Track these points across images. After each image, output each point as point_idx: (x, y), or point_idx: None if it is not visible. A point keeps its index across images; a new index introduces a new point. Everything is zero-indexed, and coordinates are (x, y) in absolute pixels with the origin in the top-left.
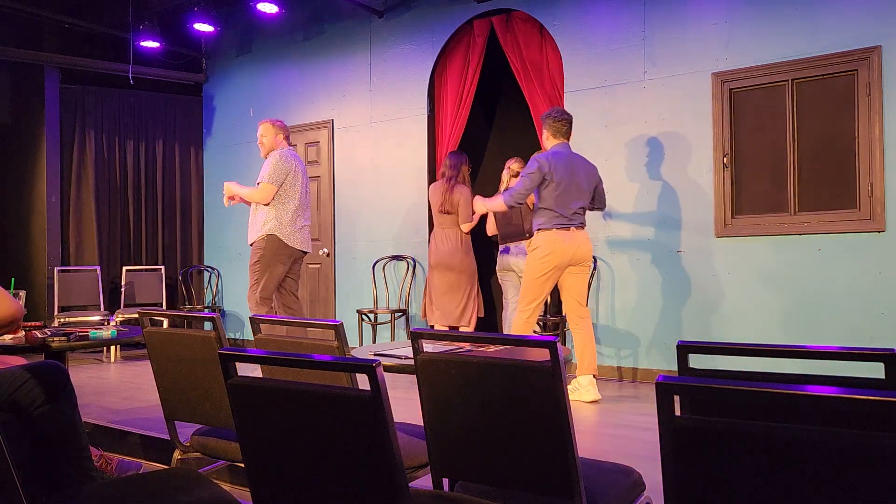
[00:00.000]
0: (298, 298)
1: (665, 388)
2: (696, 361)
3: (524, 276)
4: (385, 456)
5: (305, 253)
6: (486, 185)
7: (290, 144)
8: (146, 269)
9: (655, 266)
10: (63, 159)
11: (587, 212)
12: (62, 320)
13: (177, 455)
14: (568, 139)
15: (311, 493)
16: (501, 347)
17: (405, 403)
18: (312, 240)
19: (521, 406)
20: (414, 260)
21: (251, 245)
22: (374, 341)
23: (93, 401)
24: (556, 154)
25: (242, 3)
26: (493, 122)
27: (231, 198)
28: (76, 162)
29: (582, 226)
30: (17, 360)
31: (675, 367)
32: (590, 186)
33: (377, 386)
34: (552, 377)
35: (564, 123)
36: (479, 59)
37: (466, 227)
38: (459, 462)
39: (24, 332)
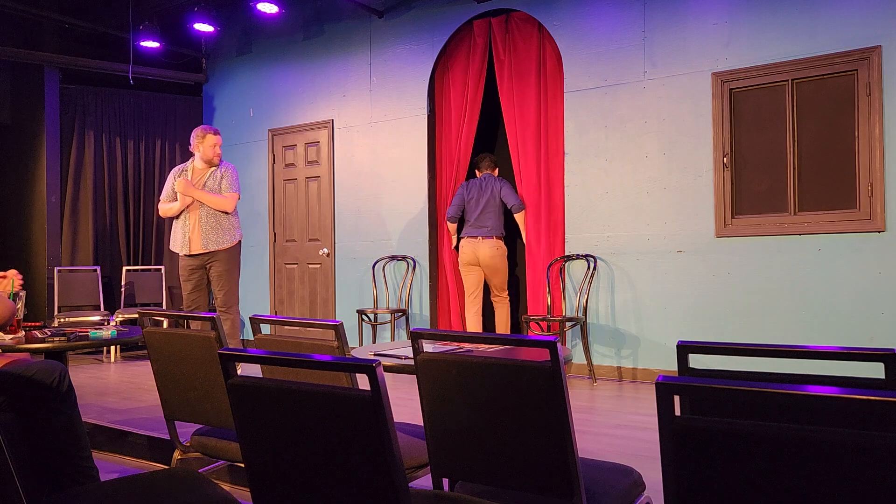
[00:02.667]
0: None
1: (665, 388)
2: (696, 361)
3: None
4: (385, 456)
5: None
6: None
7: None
8: (146, 269)
9: (655, 266)
10: (63, 159)
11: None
12: (62, 320)
13: (177, 455)
14: (491, 170)
15: (310, 493)
16: (501, 347)
17: (405, 403)
18: (312, 240)
19: (521, 406)
20: (414, 260)
21: (217, 251)
22: (374, 341)
23: (93, 401)
24: (471, 181)
25: (242, 3)
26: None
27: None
28: (76, 162)
29: (488, 236)
30: (22, 356)
31: (675, 367)
32: (493, 200)
33: (377, 386)
34: (552, 377)
35: (479, 160)
36: (482, 59)
37: None
38: (459, 462)
39: (23, 332)
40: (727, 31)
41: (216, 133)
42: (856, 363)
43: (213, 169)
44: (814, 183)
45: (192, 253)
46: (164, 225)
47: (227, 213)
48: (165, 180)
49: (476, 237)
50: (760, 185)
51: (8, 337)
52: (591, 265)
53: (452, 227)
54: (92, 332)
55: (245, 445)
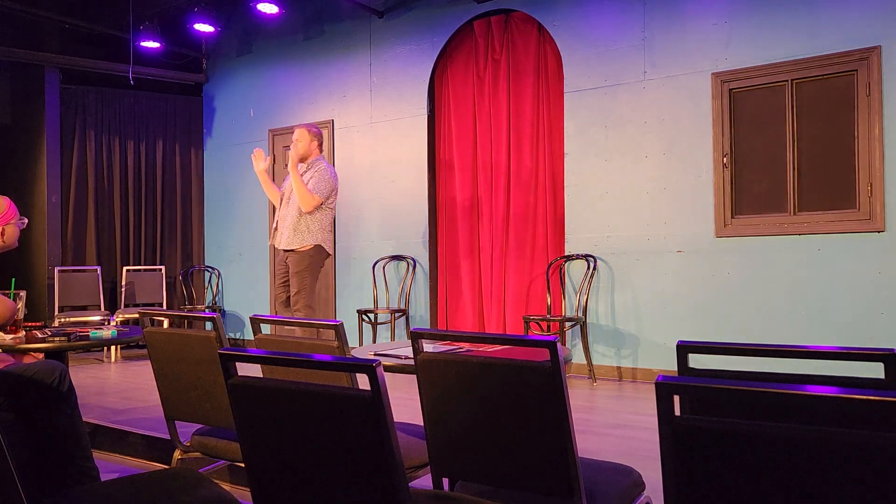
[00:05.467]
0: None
1: (665, 388)
2: (696, 361)
3: None
4: (385, 456)
5: None
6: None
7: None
8: (146, 269)
9: (655, 266)
10: (63, 159)
11: None
12: (62, 320)
13: (177, 455)
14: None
15: (311, 493)
16: (501, 347)
17: (405, 403)
18: None
19: (521, 406)
20: (414, 260)
21: (293, 251)
22: (374, 341)
23: (93, 401)
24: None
25: (242, 3)
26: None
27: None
28: (76, 162)
29: None
30: (34, 357)
31: (675, 367)
32: None
33: (377, 386)
34: (552, 377)
35: None
36: (482, 59)
37: None
38: (459, 462)
39: (24, 332)
40: (727, 32)
41: (298, 127)
42: (856, 363)
43: (306, 167)
44: (814, 183)
45: (276, 245)
46: (163, 225)
47: (307, 212)
48: (166, 180)
49: None
50: (760, 185)
51: (8, 337)
52: (591, 265)
53: None
54: (92, 332)
55: (245, 445)
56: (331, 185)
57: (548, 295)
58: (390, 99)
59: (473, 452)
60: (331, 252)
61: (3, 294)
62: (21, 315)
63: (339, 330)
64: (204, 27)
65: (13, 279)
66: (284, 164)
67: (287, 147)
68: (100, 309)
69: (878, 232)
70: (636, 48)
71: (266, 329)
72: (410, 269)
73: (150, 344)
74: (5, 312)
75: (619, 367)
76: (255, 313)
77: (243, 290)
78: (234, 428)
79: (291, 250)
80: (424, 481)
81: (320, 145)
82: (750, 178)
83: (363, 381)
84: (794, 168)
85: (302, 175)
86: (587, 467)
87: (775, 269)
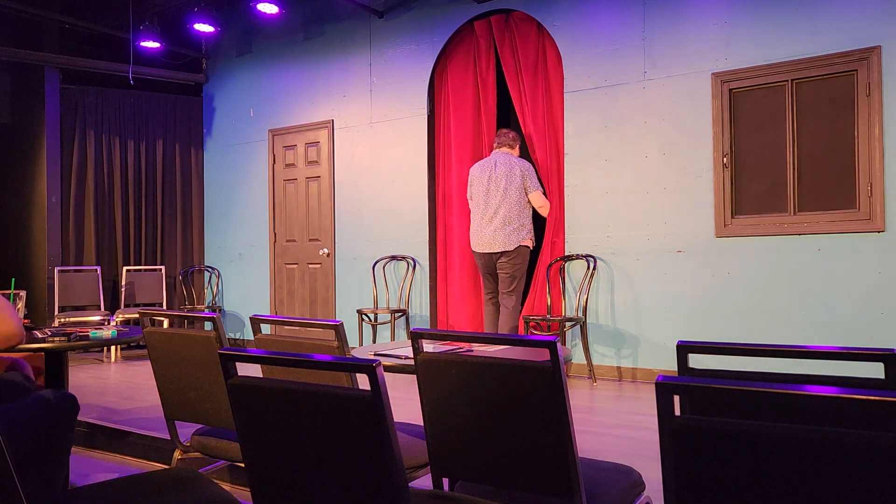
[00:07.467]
0: (508, 295)
1: (665, 388)
2: (696, 361)
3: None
4: (385, 456)
5: (493, 253)
6: None
7: (496, 148)
8: (146, 269)
9: (655, 266)
10: (63, 159)
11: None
12: (62, 320)
13: (177, 455)
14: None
15: (310, 493)
16: (501, 347)
17: (405, 403)
18: (312, 240)
19: (521, 406)
20: (414, 260)
21: None
22: (374, 341)
23: (93, 401)
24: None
25: (242, 3)
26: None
27: None
28: (76, 162)
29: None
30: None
31: (675, 367)
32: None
33: (377, 386)
34: (552, 377)
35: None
36: (485, 59)
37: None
38: (459, 462)
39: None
40: (727, 31)
41: None
42: (856, 363)
43: None
44: (814, 183)
45: None
46: (163, 225)
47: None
48: (166, 180)
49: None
50: (760, 185)
51: None
52: (591, 265)
53: None
54: (92, 332)
55: (245, 445)
56: (470, 183)
57: (548, 295)
58: (390, 99)
59: (473, 452)
60: (475, 248)
61: (4, 294)
62: (21, 315)
63: (339, 330)
64: (204, 27)
65: (13, 279)
66: (284, 165)
67: (287, 147)
68: (100, 309)
69: (878, 232)
70: (636, 48)
71: (266, 329)
72: (410, 269)
73: (150, 344)
74: (12, 338)
75: (619, 367)
76: (255, 313)
77: (243, 290)
78: (234, 428)
79: None
80: (424, 481)
81: (490, 145)
82: (750, 178)
83: (363, 382)
84: (794, 168)
85: None
86: (587, 467)
87: (775, 269)
